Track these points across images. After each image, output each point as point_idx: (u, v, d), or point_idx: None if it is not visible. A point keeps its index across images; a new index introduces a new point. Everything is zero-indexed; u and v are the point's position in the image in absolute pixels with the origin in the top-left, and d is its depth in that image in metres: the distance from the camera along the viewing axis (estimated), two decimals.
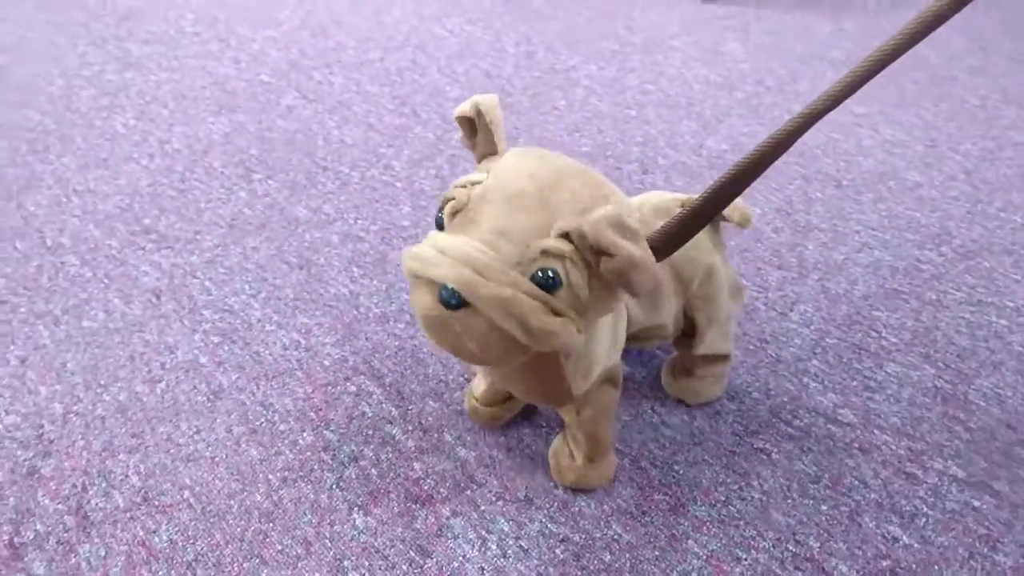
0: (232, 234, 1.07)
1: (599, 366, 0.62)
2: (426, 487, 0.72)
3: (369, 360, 0.86)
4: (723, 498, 0.72)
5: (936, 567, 0.66)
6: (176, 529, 0.69)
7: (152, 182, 1.19)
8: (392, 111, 1.40)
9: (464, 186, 0.52)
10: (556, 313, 0.49)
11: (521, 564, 0.66)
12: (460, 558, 0.66)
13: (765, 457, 0.76)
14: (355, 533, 0.68)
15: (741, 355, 0.87)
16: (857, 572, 0.66)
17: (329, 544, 0.67)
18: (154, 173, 1.21)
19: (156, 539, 0.68)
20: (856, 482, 0.73)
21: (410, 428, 0.78)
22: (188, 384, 0.84)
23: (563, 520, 0.70)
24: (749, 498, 0.72)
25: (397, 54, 1.64)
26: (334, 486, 0.72)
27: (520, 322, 0.48)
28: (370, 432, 0.78)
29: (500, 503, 0.71)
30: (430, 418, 0.79)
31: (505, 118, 1.30)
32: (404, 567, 0.65)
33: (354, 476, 0.73)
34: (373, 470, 0.74)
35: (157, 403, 0.81)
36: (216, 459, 0.75)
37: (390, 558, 0.66)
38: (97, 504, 0.71)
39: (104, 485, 0.73)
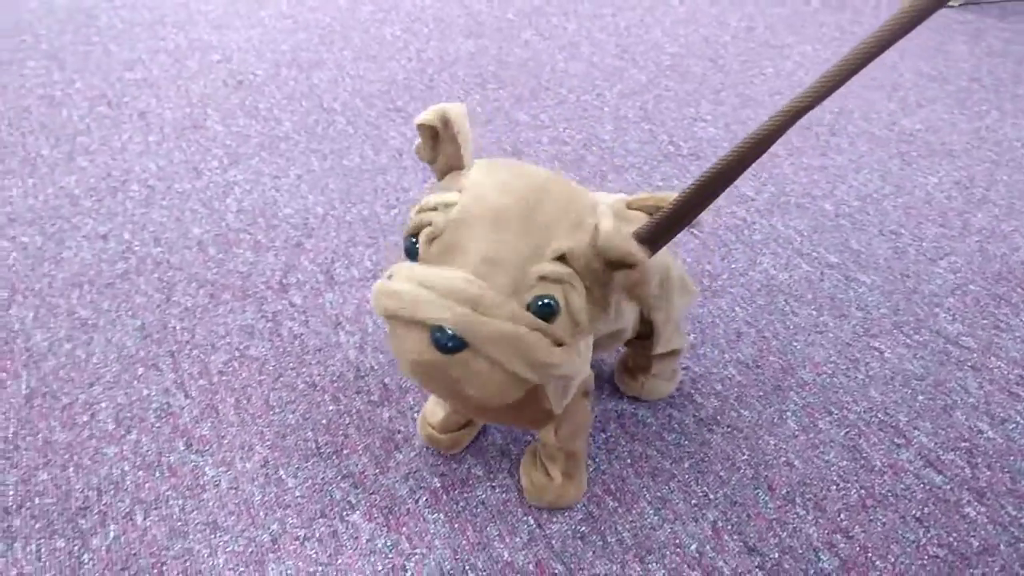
0: None
1: (577, 381, 0.58)
2: None
3: None
4: (830, 372, 0.83)
5: (1012, 458, 0.74)
6: None
7: (407, 77, 1.45)
8: (613, 55, 1.57)
9: (436, 208, 0.46)
10: (557, 343, 0.46)
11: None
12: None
13: (878, 354, 0.86)
14: None
15: (879, 281, 0.96)
16: (936, 444, 0.75)
17: None
18: (409, 72, 1.47)
19: None
20: (958, 387, 0.82)
21: None
22: None
23: (688, 358, 0.84)
24: (853, 377, 0.82)
25: (628, 13, 1.81)
26: None
27: (525, 358, 0.44)
28: None
29: None
30: None
31: (714, 75, 1.44)
32: None
33: None
34: None
35: (391, 222, 1.05)
36: None
37: None
38: (340, 272, 0.95)
39: (345, 262, 0.97)
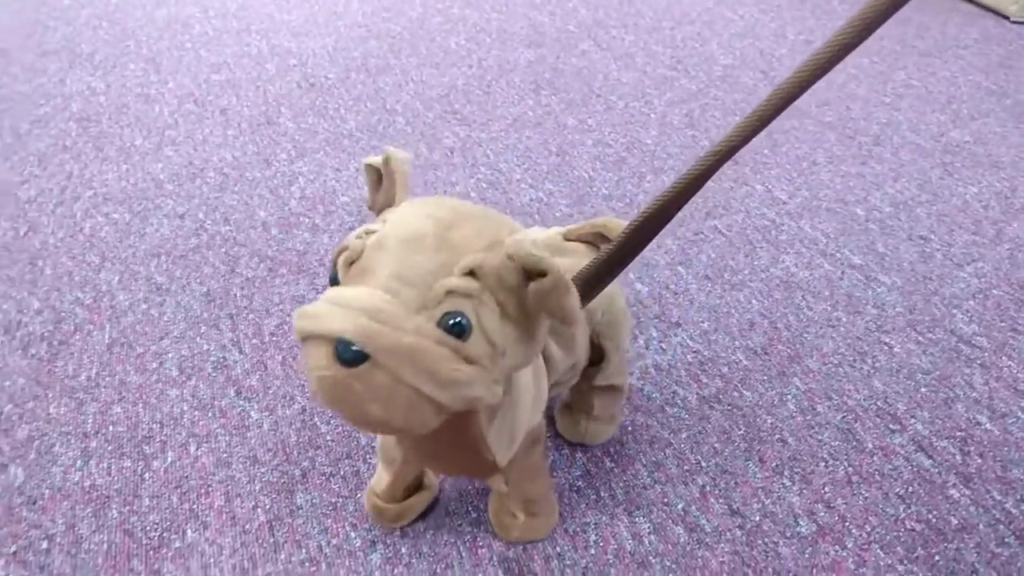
0: (514, 125, 1.38)
1: (523, 430, 0.56)
2: None
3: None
4: (836, 362, 0.87)
5: (1007, 449, 0.76)
6: None
7: (466, 83, 1.54)
8: (666, 66, 1.63)
9: (360, 236, 0.46)
10: (469, 361, 0.44)
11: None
12: None
13: (887, 348, 0.89)
14: None
15: (899, 282, 0.99)
16: (930, 432, 0.78)
17: None
18: (468, 78, 1.56)
19: None
20: (963, 383, 0.84)
21: None
22: None
23: (699, 343, 0.89)
24: (859, 368, 0.86)
25: (687, 26, 1.87)
26: None
27: (429, 373, 0.42)
28: None
29: None
30: None
31: (764, 86, 1.48)
32: None
33: None
34: None
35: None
36: None
37: None
38: None
39: None
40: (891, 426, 0.78)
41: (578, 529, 0.69)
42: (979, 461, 0.75)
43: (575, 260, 0.51)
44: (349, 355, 0.41)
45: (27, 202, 1.18)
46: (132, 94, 1.51)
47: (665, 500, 0.72)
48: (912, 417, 0.80)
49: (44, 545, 0.69)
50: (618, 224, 0.57)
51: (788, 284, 0.98)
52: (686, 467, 0.75)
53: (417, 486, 0.68)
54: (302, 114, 1.42)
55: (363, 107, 1.44)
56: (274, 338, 0.90)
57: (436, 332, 0.43)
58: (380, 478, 0.67)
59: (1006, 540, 0.68)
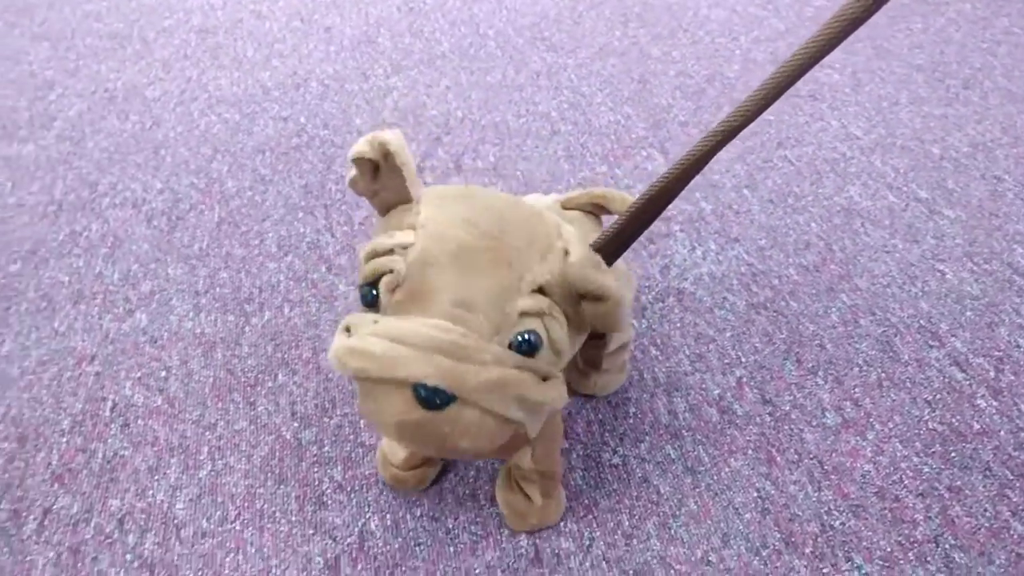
0: (600, 53, 1.42)
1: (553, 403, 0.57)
2: None
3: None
4: (885, 283, 0.90)
5: None
6: None
7: (558, 13, 1.59)
8: (757, 5, 1.63)
9: (392, 252, 0.43)
10: (544, 377, 0.44)
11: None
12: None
13: (939, 274, 0.91)
14: None
15: (964, 216, 1.01)
16: (968, 350, 0.82)
17: None
18: (560, 8, 1.61)
19: None
20: (1011, 310, 0.87)
21: None
22: (537, 124, 1.21)
23: (754, 258, 0.94)
24: (908, 290, 0.89)
25: None
26: None
27: (518, 401, 0.42)
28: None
29: None
30: None
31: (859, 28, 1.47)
32: None
33: None
34: None
35: (519, 128, 1.20)
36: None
37: None
38: (467, 162, 1.12)
39: (473, 155, 1.13)
40: (930, 342, 0.82)
41: (619, 402, 0.76)
42: (1012, 378, 0.78)
43: (578, 228, 0.49)
44: (436, 399, 0.39)
45: (152, 101, 1.31)
46: (246, 11, 1.63)
47: (703, 386, 0.78)
48: (953, 336, 0.83)
49: (163, 374, 0.81)
50: (617, 195, 0.60)
51: (849, 211, 1.01)
52: (726, 361, 0.81)
53: (427, 458, 0.66)
54: (399, 35, 1.50)
55: (457, 31, 1.51)
56: (362, 227, 1.00)
57: (513, 357, 0.42)
58: (394, 451, 0.65)
59: None
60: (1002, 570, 0.63)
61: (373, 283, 0.43)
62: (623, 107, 1.26)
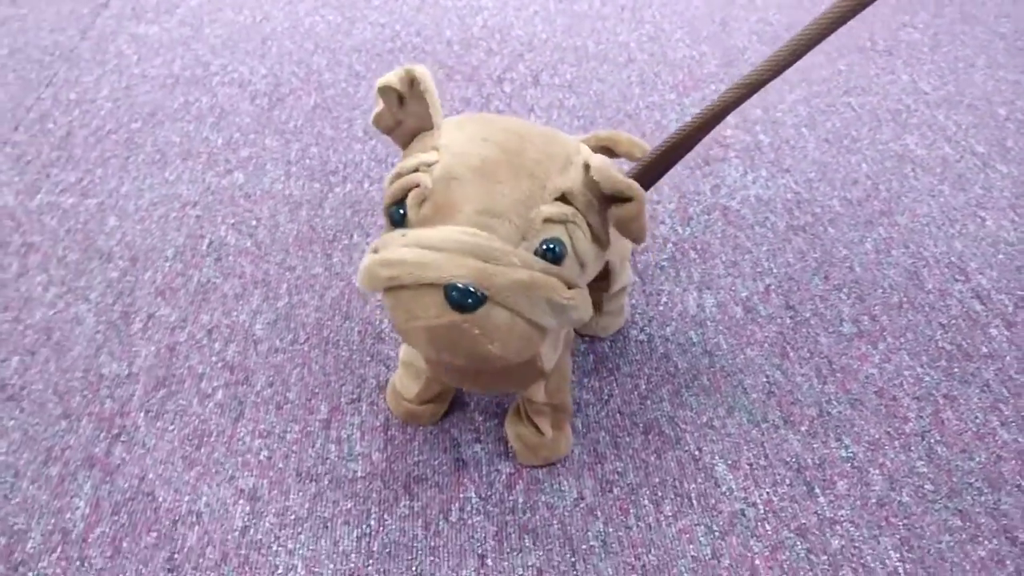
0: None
1: (563, 335, 0.59)
2: None
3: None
4: (924, 222, 0.95)
5: None
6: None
7: None
8: None
9: (417, 170, 0.45)
10: (569, 285, 0.45)
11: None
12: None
13: (979, 220, 0.95)
14: None
15: (1016, 172, 1.03)
16: (992, 287, 0.86)
17: None
18: None
19: None
20: None
21: None
22: (614, 51, 1.28)
23: (801, 190, 1.00)
24: (945, 230, 0.94)
25: None
26: None
27: (545, 303, 0.43)
28: None
29: None
30: None
31: None
32: None
33: None
34: None
35: (596, 53, 1.27)
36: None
37: None
38: (545, 78, 1.20)
39: (551, 72, 1.21)
40: (956, 276, 0.87)
41: (654, 292, 0.84)
42: None
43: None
44: (468, 299, 0.40)
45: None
46: None
47: (732, 288, 0.85)
48: (980, 274, 0.88)
49: (253, 223, 0.92)
50: (624, 137, 0.61)
51: (902, 158, 1.05)
52: (758, 270, 0.87)
53: (438, 395, 0.67)
54: None
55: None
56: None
57: (540, 262, 0.43)
58: (406, 385, 0.66)
59: None
60: (980, 467, 0.69)
61: (400, 201, 0.45)
62: (700, 45, 1.31)
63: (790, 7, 1.43)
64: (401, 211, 0.45)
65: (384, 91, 0.46)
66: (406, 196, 0.45)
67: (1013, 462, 0.69)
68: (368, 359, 0.77)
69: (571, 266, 0.45)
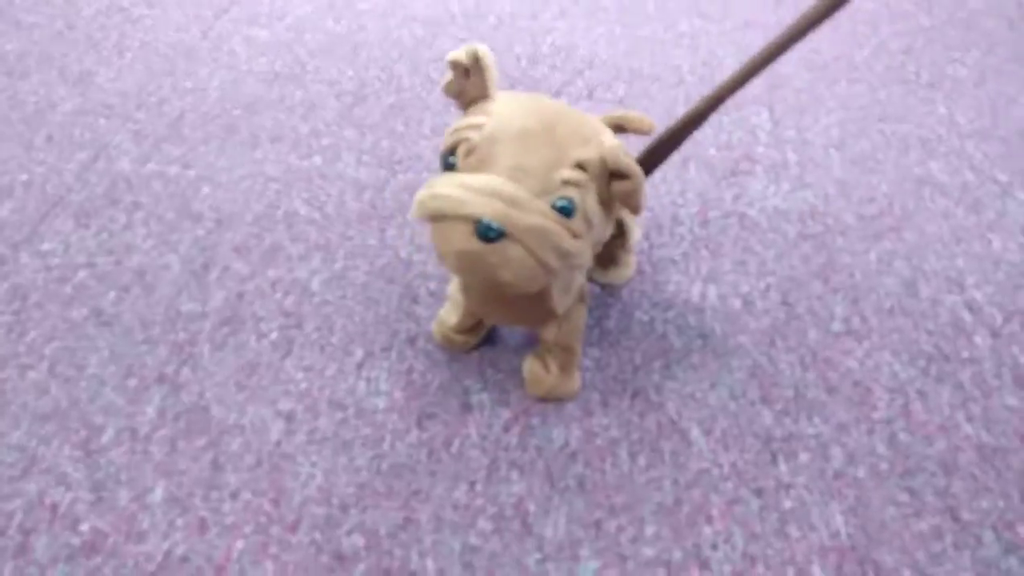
0: (744, 25, 1.56)
1: (577, 283, 0.68)
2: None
3: None
4: (931, 240, 1.01)
5: None
6: None
7: None
8: None
9: (470, 128, 0.55)
10: (575, 236, 0.55)
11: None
12: None
13: (987, 241, 1.01)
14: None
15: None
16: (986, 301, 0.92)
17: None
18: None
19: None
20: None
21: None
22: (666, 73, 1.38)
23: (820, 199, 1.07)
24: (950, 248, 1.00)
25: None
26: None
27: (553, 246, 0.53)
28: None
29: None
30: None
31: None
32: None
33: None
34: None
35: (653, 73, 1.37)
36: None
37: None
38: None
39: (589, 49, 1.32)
40: (952, 289, 0.93)
41: (663, 281, 0.94)
42: (1016, 329, 0.88)
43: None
44: (490, 233, 0.50)
45: (362, 11, 1.59)
46: None
47: (735, 283, 0.94)
48: (976, 289, 0.93)
49: (323, 199, 1.07)
50: (634, 115, 0.69)
51: (923, 181, 1.11)
52: (763, 269, 0.96)
53: (478, 323, 0.80)
54: None
55: None
56: None
57: (554, 214, 0.53)
58: (449, 315, 0.79)
59: (1004, 378, 0.82)
60: (938, 453, 0.75)
61: (452, 151, 0.56)
62: None
63: (839, 40, 1.50)
64: (452, 159, 0.56)
65: (454, 64, 0.57)
66: (457, 147, 0.56)
67: (971, 453, 0.75)
68: (403, 316, 0.89)
69: (579, 222, 0.54)
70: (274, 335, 0.87)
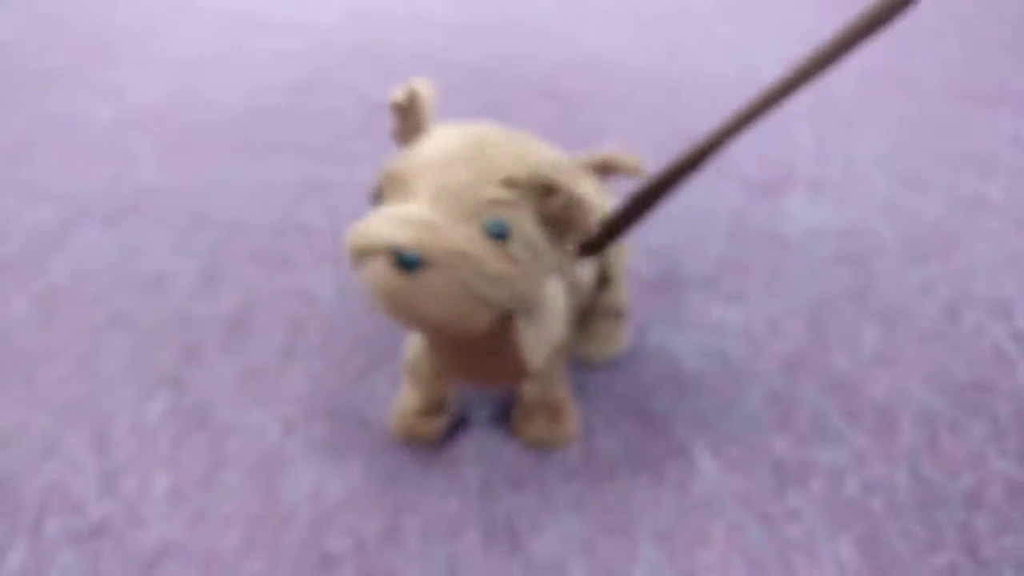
0: (781, 30, 1.52)
1: (555, 339, 0.62)
2: None
3: None
4: (981, 266, 0.95)
5: None
6: None
7: None
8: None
9: (396, 162, 0.51)
10: (512, 260, 0.49)
11: None
12: None
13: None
14: None
15: None
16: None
17: None
18: None
19: None
20: None
21: None
22: (694, 74, 1.35)
23: (860, 219, 1.02)
24: (1000, 274, 0.93)
25: None
26: None
27: (480, 271, 0.47)
28: None
29: None
30: None
31: None
32: None
33: None
34: None
35: (683, 77, 1.34)
36: None
37: None
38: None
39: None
40: (996, 316, 0.87)
41: (682, 300, 0.91)
42: None
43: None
44: (407, 260, 0.46)
45: (385, 23, 1.62)
46: None
47: (760, 304, 0.90)
48: None
49: (342, 211, 1.08)
50: (620, 155, 0.64)
51: (977, 200, 1.05)
52: (792, 291, 0.92)
53: (440, 407, 0.73)
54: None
55: (657, 1, 1.67)
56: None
57: (482, 237, 0.47)
58: (410, 399, 0.72)
59: None
60: (963, 488, 0.70)
61: (380, 189, 0.52)
62: None
63: (883, 49, 1.44)
64: (378, 198, 0.52)
65: (394, 108, 0.54)
66: (383, 184, 0.53)
67: (999, 489, 0.70)
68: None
69: (518, 246, 0.49)
70: (279, 341, 0.88)
